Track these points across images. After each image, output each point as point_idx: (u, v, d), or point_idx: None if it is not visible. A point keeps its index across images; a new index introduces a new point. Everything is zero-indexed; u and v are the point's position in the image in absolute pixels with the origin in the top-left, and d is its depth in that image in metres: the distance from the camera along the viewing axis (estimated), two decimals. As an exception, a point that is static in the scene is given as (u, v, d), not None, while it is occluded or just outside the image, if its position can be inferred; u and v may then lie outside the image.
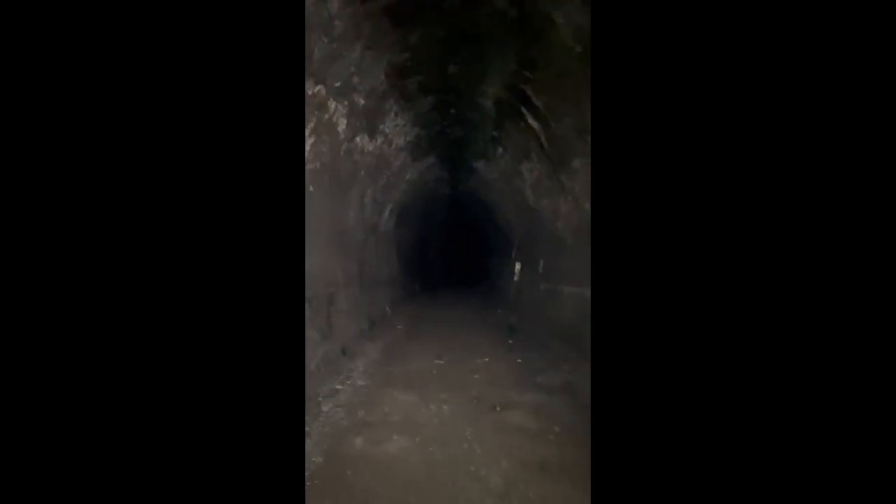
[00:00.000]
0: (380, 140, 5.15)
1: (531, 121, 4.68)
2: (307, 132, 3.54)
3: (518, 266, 8.19)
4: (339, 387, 3.27)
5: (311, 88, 3.33)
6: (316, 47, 3.11)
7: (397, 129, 5.31)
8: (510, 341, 5.03)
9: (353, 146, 4.60)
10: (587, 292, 4.15)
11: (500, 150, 6.16)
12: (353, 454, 2.20)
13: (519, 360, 4.10)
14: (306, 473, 1.96)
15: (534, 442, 2.30)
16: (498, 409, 2.81)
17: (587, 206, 4.35)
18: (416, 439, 2.35)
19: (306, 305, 3.68)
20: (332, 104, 3.73)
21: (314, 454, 2.18)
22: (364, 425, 2.55)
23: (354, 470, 2.03)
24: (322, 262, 4.22)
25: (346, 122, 4.10)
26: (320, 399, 2.97)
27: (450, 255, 14.28)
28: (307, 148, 3.62)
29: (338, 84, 3.61)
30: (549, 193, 5.47)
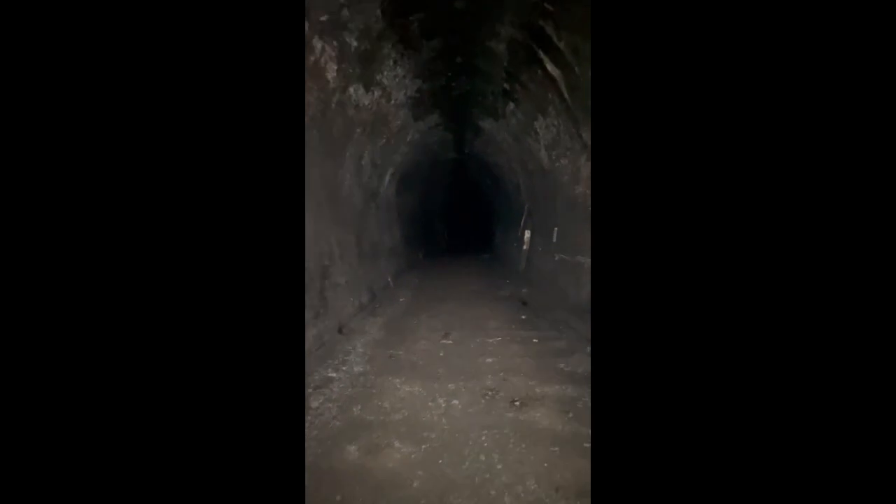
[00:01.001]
0: (377, 93, 4.55)
1: (550, 67, 4.07)
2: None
3: (528, 234, 7.70)
4: (332, 374, 2.86)
5: (291, 20, 2.74)
6: (293, -35, 2.50)
7: (397, 80, 4.69)
8: (522, 317, 4.61)
9: (346, 98, 4.02)
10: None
11: (512, 105, 5.54)
12: (345, 469, 1.79)
13: (535, 340, 3.68)
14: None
15: (566, 452, 1.88)
16: (517, 403, 2.39)
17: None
18: (422, 447, 1.93)
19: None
20: (318, 44, 3.15)
21: (297, 468, 1.76)
22: (360, 427, 2.14)
23: (346, 494, 1.62)
24: (312, 231, 3.73)
25: (336, 67, 3.52)
26: (310, 391, 2.56)
27: (455, 223, 13.82)
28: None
29: (324, 18, 3.02)
30: (568, 153, 4.90)
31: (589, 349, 3.28)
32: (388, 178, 6.77)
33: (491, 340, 3.68)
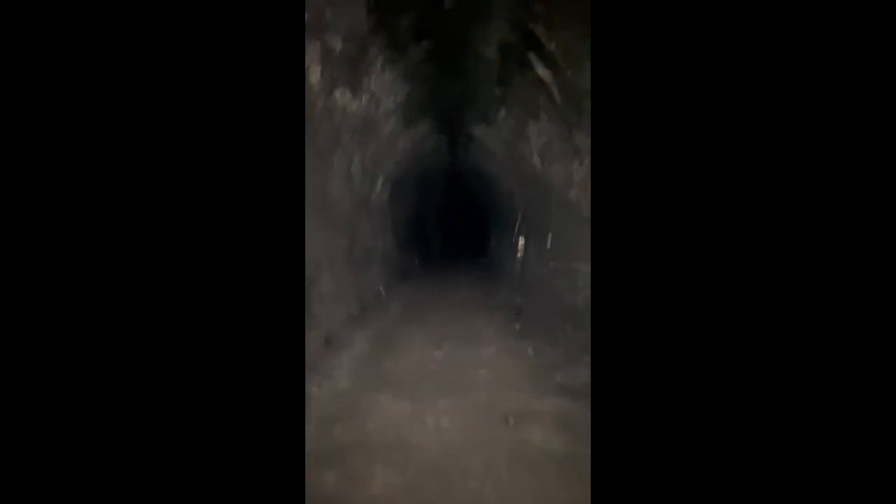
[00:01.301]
0: (365, 99, 4.43)
1: (541, 70, 3.98)
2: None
3: (522, 241, 7.59)
4: (315, 390, 2.70)
5: (269, 19, 2.62)
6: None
7: (385, 85, 4.59)
8: (517, 326, 4.47)
9: (332, 103, 3.90)
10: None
11: (504, 111, 5.45)
12: (321, 499, 1.63)
13: (530, 350, 3.54)
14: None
15: (564, 475, 1.74)
16: (511, 421, 2.25)
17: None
18: (408, 473, 1.78)
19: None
20: (299, 44, 3.02)
21: (270, 499, 1.60)
22: (340, 451, 1.98)
23: (320, 529, 1.47)
24: (298, 240, 3.59)
25: (319, 70, 3.40)
26: (290, 410, 2.39)
27: (449, 230, 13.71)
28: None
29: (305, 17, 2.90)
30: (560, 158, 4.80)
31: (585, 359, 3.15)
32: (380, 184, 6.64)
33: (484, 351, 3.53)
